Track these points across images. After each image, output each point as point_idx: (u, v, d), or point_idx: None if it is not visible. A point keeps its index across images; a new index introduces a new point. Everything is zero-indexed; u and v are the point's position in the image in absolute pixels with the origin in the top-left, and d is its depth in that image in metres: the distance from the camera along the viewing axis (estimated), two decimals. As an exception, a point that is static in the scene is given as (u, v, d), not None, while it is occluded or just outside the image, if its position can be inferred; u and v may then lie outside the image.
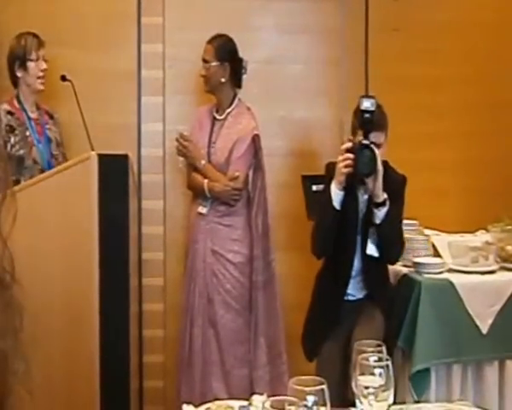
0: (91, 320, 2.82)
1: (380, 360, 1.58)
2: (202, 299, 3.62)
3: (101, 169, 2.89)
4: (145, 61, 4.22)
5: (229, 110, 3.72)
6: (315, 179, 3.92)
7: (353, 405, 1.67)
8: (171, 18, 4.22)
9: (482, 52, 4.50)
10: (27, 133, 3.63)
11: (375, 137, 3.15)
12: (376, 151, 3.08)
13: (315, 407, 1.34)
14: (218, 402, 2.00)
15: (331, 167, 3.25)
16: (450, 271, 3.57)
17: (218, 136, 3.70)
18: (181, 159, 3.75)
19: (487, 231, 3.88)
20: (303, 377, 1.40)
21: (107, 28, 4.13)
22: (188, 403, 1.98)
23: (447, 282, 3.42)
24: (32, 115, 3.70)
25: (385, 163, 3.21)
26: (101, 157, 2.92)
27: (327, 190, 3.19)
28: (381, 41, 4.38)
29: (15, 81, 3.69)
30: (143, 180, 4.20)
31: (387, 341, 1.76)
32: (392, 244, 3.27)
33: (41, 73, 3.67)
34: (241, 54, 3.74)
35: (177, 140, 3.70)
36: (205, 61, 3.67)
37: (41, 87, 3.70)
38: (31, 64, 3.64)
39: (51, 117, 3.83)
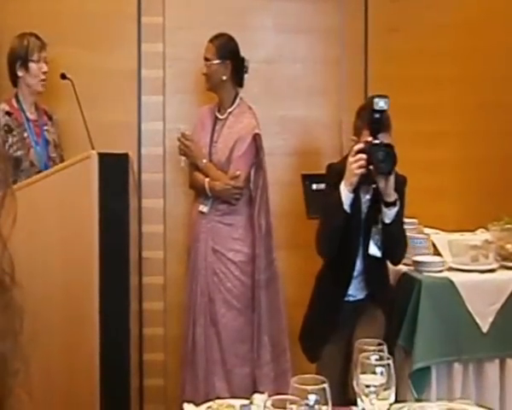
0: (92, 319, 2.82)
1: (381, 358, 1.58)
2: (204, 298, 3.63)
3: (102, 168, 2.89)
4: (145, 61, 4.22)
5: (230, 109, 3.72)
6: (315, 178, 3.93)
7: (354, 404, 1.67)
8: (172, 17, 4.23)
9: (482, 52, 4.51)
10: (25, 135, 3.62)
11: (382, 137, 3.13)
12: (394, 148, 3.07)
13: (316, 406, 1.35)
14: (219, 401, 2.00)
15: (333, 169, 3.24)
16: (451, 269, 3.57)
17: (219, 135, 3.71)
18: (183, 158, 3.75)
19: (487, 229, 3.88)
20: (305, 376, 1.41)
21: (108, 27, 4.13)
22: (189, 402, 1.98)
23: (447, 280, 3.42)
24: (31, 116, 3.70)
25: None
26: (102, 156, 2.92)
27: (334, 192, 3.14)
28: (381, 41, 4.39)
29: (15, 80, 3.69)
30: (143, 179, 4.20)
31: (388, 340, 1.76)
32: (398, 244, 3.27)
33: (42, 76, 3.67)
34: (241, 53, 3.75)
35: (179, 139, 3.70)
36: (206, 59, 3.68)
37: (41, 89, 3.70)
38: (32, 65, 3.64)
39: (50, 118, 3.82)
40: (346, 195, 3.10)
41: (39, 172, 3.49)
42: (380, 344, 1.67)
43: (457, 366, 3.39)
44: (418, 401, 3.03)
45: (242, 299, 3.63)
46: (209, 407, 1.95)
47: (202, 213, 3.65)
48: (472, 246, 3.60)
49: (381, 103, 3.09)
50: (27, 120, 3.66)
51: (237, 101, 3.74)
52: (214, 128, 3.75)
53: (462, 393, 3.33)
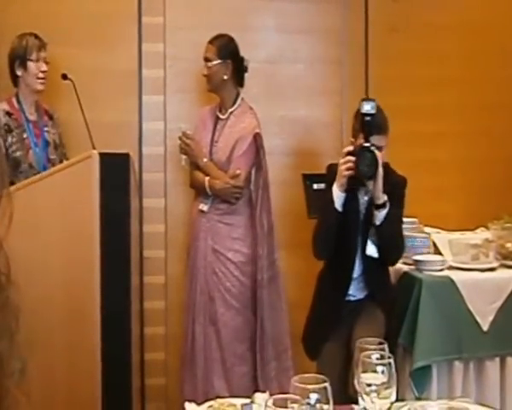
0: (93, 318, 2.82)
1: (382, 357, 1.59)
2: (203, 296, 3.63)
3: (103, 168, 2.89)
4: (146, 61, 4.22)
5: (231, 109, 3.73)
6: (316, 178, 3.93)
7: (354, 401, 1.68)
8: (172, 18, 4.23)
9: (482, 53, 4.52)
10: (24, 135, 3.61)
11: (376, 140, 3.16)
12: (378, 154, 3.10)
13: (318, 405, 1.35)
14: (220, 400, 2.00)
15: (332, 169, 3.26)
16: (451, 268, 3.58)
17: (220, 134, 3.71)
18: (183, 157, 3.75)
19: (487, 228, 3.89)
20: (306, 375, 1.41)
21: (108, 28, 4.13)
22: (190, 401, 1.98)
23: (448, 279, 3.43)
24: (31, 117, 3.70)
25: (386, 165, 3.23)
26: (103, 156, 2.92)
27: (328, 192, 3.21)
28: (381, 41, 4.40)
29: (15, 80, 3.70)
30: (145, 178, 4.21)
31: (389, 339, 1.77)
32: (392, 246, 3.28)
33: (41, 74, 3.66)
34: (241, 53, 3.76)
35: (180, 138, 3.71)
36: (207, 59, 3.68)
37: (40, 87, 3.69)
38: (31, 64, 3.64)
39: (51, 118, 3.82)
40: (337, 194, 3.18)
41: (38, 174, 3.49)
42: (381, 343, 1.67)
43: (458, 365, 3.40)
44: (419, 399, 3.03)
45: (241, 299, 3.63)
46: (210, 406, 1.95)
47: (202, 211, 3.66)
48: (472, 245, 3.60)
49: (366, 107, 3.12)
50: (27, 121, 3.66)
51: (238, 101, 3.74)
52: (215, 128, 3.75)
53: (463, 391, 3.34)
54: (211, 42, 3.70)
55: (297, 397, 1.32)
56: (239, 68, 3.73)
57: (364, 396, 1.56)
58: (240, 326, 3.63)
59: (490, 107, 4.50)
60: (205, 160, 3.67)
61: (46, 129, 3.75)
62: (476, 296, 3.41)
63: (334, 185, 3.18)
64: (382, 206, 3.15)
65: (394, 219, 3.22)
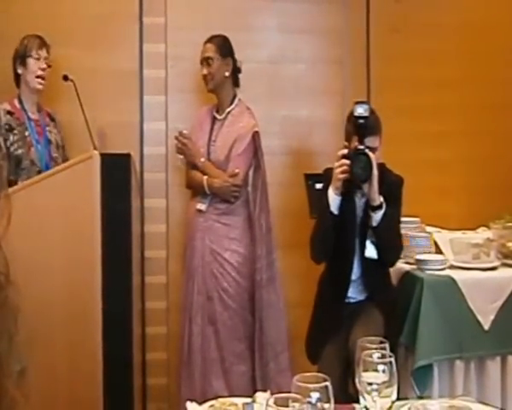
0: (94, 318, 2.82)
1: (383, 356, 1.59)
2: (201, 296, 3.63)
3: (104, 168, 2.88)
4: (147, 61, 4.23)
5: (229, 109, 3.73)
6: (318, 178, 3.93)
7: (354, 400, 1.68)
8: (173, 18, 4.24)
9: (484, 52, 4.52)
10: (26, 133, 3.62)
11: (369, 141, 3.18)
12: (372, 156, 3.10)
13: (319, 404, 1.35)
14: (221, 399, 2.00)
15: (329, 173, 3.27)
16: (452, 267, 3.58)
17: (218, 134, 3.71)
18: (180, 157, 3.76)
19: (488, 227, 3.89)
20: (307, 374, 1.41)
21: (110, 28, 4.14)
22: (191, 401, 1.98)
23: (449, 278, 3.43)
24: (33, 116, 3.71)
25: (381, 166, 3.24)
26: (104, 156, 2.91)
27: (325, 196, 3.23)
28: (383, 42, 4.40)
29: (17, 80, 3.71)
30: (146, 179, 4.21)
31: (389, 339, 1.77)
32: (390, 246, 3.29)
33: (40, 72, 3.67)
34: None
35: (177, 138, 3.71)
36: (208, 58, 3.69)
37: (39, 86, 3.70)
38: (30, 61, 3.65)
39: (53, 119, 3.83)
40: (332, 197, 3.20)
41: (40, 171, 3.50)
42: (382, 342, 1.68)
43: (459, 364, 3.40)
44: (420, 398, 3.03)
45: (238, 300, 3.62)
46: (212, 406, 1.95)
47: (200, 211, 3.65)
48: (473, 244, 3.61)
49: (359, 110, 3.14)
50: (29, 119, 3.67)
51: (236, 101, 3.75)
52: (212, 128, 3.75)
53: (464, 390, 3.34)
54: (209, 41, 3.72)
55: (298, 396, 1.32)
56: (235, 68, 3.76)
57: (365, 395, 1.56)
58: (237, 326, 3.63)
59: (492, 106, 4.50)
60: (202, 159, 3.67)
61: (48, 128, 3.76)
62: (477, 295, 3.41)
63: (330, 189, 3.21)
64: (378, 207, 3.16)
65: (391, 219, 3.22)
